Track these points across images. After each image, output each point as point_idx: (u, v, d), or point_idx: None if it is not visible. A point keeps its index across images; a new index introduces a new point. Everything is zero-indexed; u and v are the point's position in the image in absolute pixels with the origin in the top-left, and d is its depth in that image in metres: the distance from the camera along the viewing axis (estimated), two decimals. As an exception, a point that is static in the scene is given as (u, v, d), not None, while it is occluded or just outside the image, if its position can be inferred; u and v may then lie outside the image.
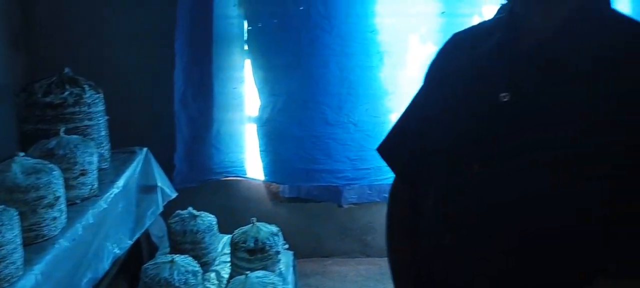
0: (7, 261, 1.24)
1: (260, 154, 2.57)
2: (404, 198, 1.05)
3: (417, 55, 2.43)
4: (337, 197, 2.69)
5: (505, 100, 0.82)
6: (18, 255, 1.28)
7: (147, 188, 2.16)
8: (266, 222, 2.10)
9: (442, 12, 2.35)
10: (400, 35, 2.38)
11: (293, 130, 2.49)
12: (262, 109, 2.50)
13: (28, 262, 1.33)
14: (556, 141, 0.78)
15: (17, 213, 1.31)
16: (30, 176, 1.45)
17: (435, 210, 0.91)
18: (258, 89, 2.48)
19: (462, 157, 0.87)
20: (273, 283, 1.72)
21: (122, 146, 2.19)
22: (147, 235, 2.20)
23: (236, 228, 2.08)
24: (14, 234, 1.27)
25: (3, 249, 1.22)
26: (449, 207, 0.89)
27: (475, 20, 2.37)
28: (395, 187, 1.10)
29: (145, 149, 2.24)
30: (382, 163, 2.57)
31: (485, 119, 0.85)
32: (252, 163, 2.66)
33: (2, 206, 1.29)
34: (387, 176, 2.58)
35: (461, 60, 0.94)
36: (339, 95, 2.43)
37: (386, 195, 2.94)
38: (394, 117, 2.52)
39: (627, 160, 0.74)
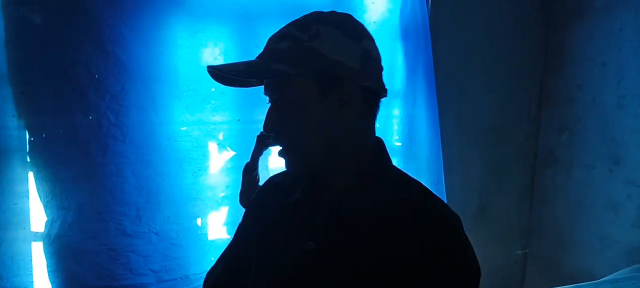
0: None
1: (49, 275, 2.30)
2: None
3: (217, 160, 2.48)
4: (144, 313, 2.51)
5: (311, 249, 0.91)
6: None
7: None
8: None
9: (237, 120, 2.45)
10: (198, 141, 2.40)
11: (87, 245, 2.30)
12: (50, 224, 2.27)
13: None
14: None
15: None
16: None
17: None
18: (44, 204, 2.26)
19: None
20: None
21: None
22: None
23: None
24: None
25: None
26: None
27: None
28: None
29: None
30: (190, 272, 2.48)
31: (295, 264, 0.92)
32: (41, 286, 2.36)
33: None
34: (198, 284, 2.50)
35: (275, 205, 1.05)
36: (137, 204, 2.33)
37: (198, 304, 2.75)
38: (199, 222, 2.49)
39: None
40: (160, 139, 2.33)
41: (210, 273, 1.21)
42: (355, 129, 0.98)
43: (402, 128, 2.72)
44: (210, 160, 2.46)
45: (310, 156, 0.96)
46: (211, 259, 2.53)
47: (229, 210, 2.53)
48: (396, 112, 2.73)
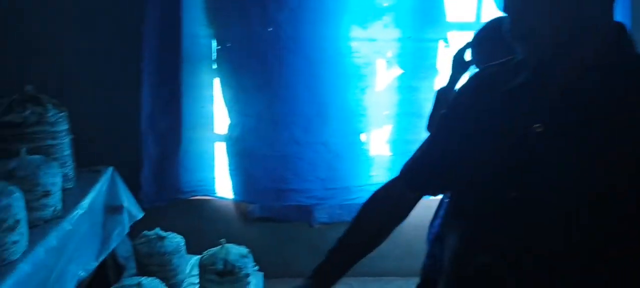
0: (-34, 287, 1.20)
1: (230, 173, 2.56)
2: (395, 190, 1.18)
3: (384, 78, 2.48)
4: (308, 217, 2.69)
5: (539, 131, 0.90)
6: (-23, 281, 1.24)
7: (113, 209, 2.12)
8: (235, 242, 2.09)
9: (408, 37, 2.41)
10: (367, 58, 2.42)
11: (262, 150, 2.49)
12: (232, 128, 2.49)
13: (-13, 289, 1.29)
14: (582, 171, 0.85)
15: (-25, 238, 1.27)
16: (-11, 199, 1.41)
17: (468, 232, 1.00)
18: (227, 108, 2.47)
19: (497, 184, 0.95)
20: (242, 306, 1.71)
21: (86, 165, 2.15)
22: (113, 255, 2.15)
23: (205, 248, 2.05)
24: (-27, 259, 1.23)
25: (-38, 275, 1.18)
26: (484, 230, 0.97)
27: (440, 45, 2.45)
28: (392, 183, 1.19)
29: (110, 168, 2.20)
30: (351, 183, 2.58)
31: (520, 148, 0.93)
32: (221, 182, 2.64)
33: (-40, 230, 1.25)
34: (358, 196, 2.61)
35: (488, 96, 1.04)
36: (308, 116, 2.44)
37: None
38: (363, 137, 2.55)
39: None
40: (332, 54, 2.38)
41: (408, 171, 1.21)
42: (603, 9, 0.92)
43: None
44: (378, 77, 2.47)
45: (553, 37, 0.91)
46: (371, 174, 2.61)
47: (392, 128, 2.55)
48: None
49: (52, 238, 1.61)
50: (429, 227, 1.86)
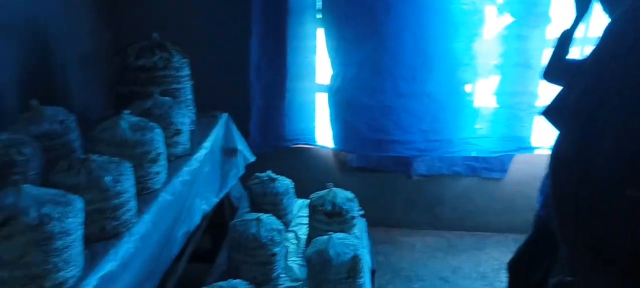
0: (125, 208, 1.35)
1: (331, 123, 2.62)
2: (570, 158, 1.10)
3: (493, 26, 2.39)
4: (406, 169, 2.71)
5: None
6: (133, 204, 1.39)
7: (229, 151, 2.27)
8: (334, 190, 2.14)
9: (523, -17, 2.30)
10: (476, 6, 2.33)
11: (364, 100, 2.51)
12: (334, 78, 2.53)
13: (139, 211, 1.44)
14: None
15: (131, 165, 1.41)
16: (136, 132, 1.56)
17: (617, 165, 0.97)
18: (330, 59, 2.51)
19: None
20: (353, 245, 1.77)
21: (201, 110, 2.28)
22: (227, 195, 2.30)
23: (307, 194, 2.13)
24: (131, 184, 1.38)
25: (122, 197, 1.33)
26: (634, 161, 0.94)
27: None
28: (559, 148, 1.17)
29: (226, 114, 2.33)
30: (454, 136, 2.54)
31: None
32: (322, 131, 2.71)
33: (118, 158, 1.40)
34: (461, 148, 2.58)
35: (634, 33, 1.00)
36: (413, 66, 2.42)
37: (456, 168, 2.88)
38: (468, 88, 2.49)
39: None
40: (441, 2, 2.32)
41: (552, 106, 1.17)
42: None
43: None
44: (486, 26, 2.39)
45: None
46: (476, 127, 2.56)
47: (500, 80, 2.47)
48: None
49: (185, 173, 1.76)
50: (543, 178, 1.79)
